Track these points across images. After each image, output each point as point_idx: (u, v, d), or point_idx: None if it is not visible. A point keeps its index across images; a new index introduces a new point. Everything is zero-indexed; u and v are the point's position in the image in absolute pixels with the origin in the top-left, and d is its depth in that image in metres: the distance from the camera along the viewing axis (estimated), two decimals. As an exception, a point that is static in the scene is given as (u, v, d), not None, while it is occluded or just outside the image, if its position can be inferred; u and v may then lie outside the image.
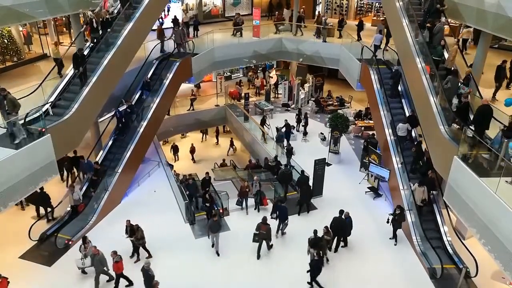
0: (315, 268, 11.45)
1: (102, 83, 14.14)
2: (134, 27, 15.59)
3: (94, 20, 14.61)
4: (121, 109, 16.31)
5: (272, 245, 13.18)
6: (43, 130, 11.31)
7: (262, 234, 12.70)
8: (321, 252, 11.80)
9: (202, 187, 15.17)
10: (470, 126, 10.42)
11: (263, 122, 21.14)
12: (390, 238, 13.59)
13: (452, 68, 13.06)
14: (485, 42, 14.42)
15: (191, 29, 22.25)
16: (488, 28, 13.10)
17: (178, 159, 22.77)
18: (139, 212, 14.91)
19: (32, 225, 13.03)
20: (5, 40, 18.89)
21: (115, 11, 16.33)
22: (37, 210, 14.29)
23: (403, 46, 15.59)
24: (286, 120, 19.90)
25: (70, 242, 13.09)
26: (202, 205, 14.77)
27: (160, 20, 22.26)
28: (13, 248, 12.79)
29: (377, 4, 29.40)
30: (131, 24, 15.55)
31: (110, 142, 16.15)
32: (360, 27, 21.31)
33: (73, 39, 17.79)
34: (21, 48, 19.75)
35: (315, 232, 12.16)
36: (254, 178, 15.26)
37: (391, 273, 12.37)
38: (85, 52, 14.59)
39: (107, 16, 15.25)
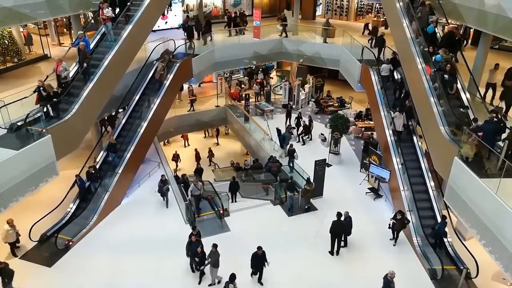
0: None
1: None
2: (95, 88, 13.62)
3: (42, 88, 12.16)
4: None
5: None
6: (44, 130, 11.33)
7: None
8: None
9: None
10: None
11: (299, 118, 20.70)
12: (390, 239, 13.59)
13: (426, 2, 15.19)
14: (486, 43, 14.40)
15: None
16: (489, 29, 13.09)
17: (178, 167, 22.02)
18: (140, 212, 14.94)
19: (33, 225, 13.02)
20: (6, 41, 18.90)
21: (70, 75, 13.62)
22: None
23: (403, 46, 15.59)
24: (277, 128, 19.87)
25: (70, 243, 13.09)
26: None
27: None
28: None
29: (377, 5, 29.38)
30: (92, 84, 13.57)
31: (68, 215, 14.10)
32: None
33: (72, 40, 17.65)
34: (22, 49, 19.76)
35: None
36: None
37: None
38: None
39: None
